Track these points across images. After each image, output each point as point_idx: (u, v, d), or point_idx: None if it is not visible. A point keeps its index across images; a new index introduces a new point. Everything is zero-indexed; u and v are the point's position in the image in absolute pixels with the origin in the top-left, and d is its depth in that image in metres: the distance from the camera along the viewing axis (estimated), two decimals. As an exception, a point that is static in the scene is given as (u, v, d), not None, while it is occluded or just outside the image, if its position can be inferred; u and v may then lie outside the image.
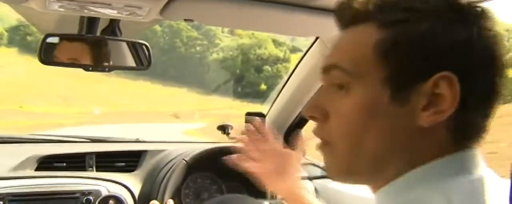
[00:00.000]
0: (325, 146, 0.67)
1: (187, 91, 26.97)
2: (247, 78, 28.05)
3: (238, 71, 29.49)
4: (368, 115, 0.62)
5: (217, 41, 30.64)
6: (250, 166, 1.20)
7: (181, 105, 24.42)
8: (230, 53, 30.28)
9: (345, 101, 0.63)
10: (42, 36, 1.41)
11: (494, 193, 0.58)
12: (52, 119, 16.75)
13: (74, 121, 16.82)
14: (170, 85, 24.31)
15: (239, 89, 27.96)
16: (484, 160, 0.63)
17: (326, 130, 0.66)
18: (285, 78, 2.00)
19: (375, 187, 0.66)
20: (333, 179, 0.68)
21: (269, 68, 27.40)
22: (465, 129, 0.61)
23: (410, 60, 0.60)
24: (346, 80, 0.63)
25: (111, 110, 20.51)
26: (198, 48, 30.14)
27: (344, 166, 0.65)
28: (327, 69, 0.66)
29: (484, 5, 0.63)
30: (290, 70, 1.96)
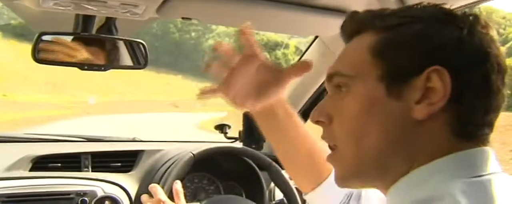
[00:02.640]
0: (333, 153, 0.74)
1: (182, 78, 26.82)
2: (245, 65, 27.89)
3: (235, 58, 29.28)
4: (367, 112, 0.68)
5: (212, 26, 30.52)
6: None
7: (178, 93, 24.09)
8: (227, 39, 30.14)
9: (345, 100, 0.70)
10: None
11: (505, 193, 0.61)
12: (41, 110, 16.11)
13: (66, 112, 16.20)
14: (164, 72, 24.08)
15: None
16: (494, 158, 0.66)
17: (331, 133, 0.73)
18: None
19: (384, 188, 0.70)
20: (340, 185, 0.73)
21: (268, 55, 27.27)
22: (465, 125, 0.65)
23: (403, 57, 0.66)
24: (345, 82, 0.70)
25: (105, 99, 19.96)
26: (193, 34, 30.00)
27: (351, 168, 0.70)
28: (330, 77, 0.73)
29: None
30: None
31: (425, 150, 0.65)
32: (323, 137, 0.75)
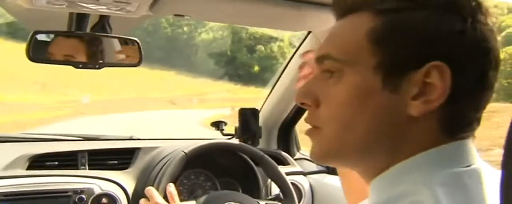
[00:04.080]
0: (313, 130, 0.73)
1: (175, 74, 26.61)
2: (239, 59, 27.82)
3: (229, 52, 29.25)
4: (359, 102, 0.66)
5: (205, 20, 30.08)
6: None
7: (173, 90, 23.79)
8: (220, 32, 29.92)
9: (336, 87, 0.68)
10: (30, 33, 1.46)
11: (483, 185, 0.62)
12: (30, 113, 15.61)
13: (58, 114, 15.72)
14: (157, 68, 23.70)
15: (231, 71, 27.78)
16: (476, 152, 0.66)
17: (316, 116, 0.71)
18: (278, 72, 2.08)
19: (366, 177, 0.71)
20: (315, 160, 0.74)
21: (262, 48, 27.06)
22: (456, 121, 0.65)
23: (403, 48, 0.64)
24: (338, 68, 0.68)
25: (99, 98, 19.43)
26: (185, 28, 29.71)
27: (332, 150, 0.70)
28: (319, 59, 0.71)
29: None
30: (283, 65, 2.04)
31: (413, 145, 0.65)
32: (306, 120, 0.74)
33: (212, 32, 30.31)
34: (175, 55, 29.63)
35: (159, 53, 27.04)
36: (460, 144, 0.66)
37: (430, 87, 0.62)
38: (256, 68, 27.13)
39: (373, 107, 0.66)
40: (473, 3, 0.65)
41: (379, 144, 0.67)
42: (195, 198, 1.69)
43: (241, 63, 27.58)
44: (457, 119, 0.65)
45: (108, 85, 20.64)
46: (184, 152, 1.71)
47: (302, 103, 0.73)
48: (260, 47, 27.18)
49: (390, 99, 0.64)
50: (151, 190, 1.41)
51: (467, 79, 0.63)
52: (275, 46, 26.78)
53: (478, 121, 0.68)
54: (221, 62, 28.94)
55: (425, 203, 0.59)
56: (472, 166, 0.64)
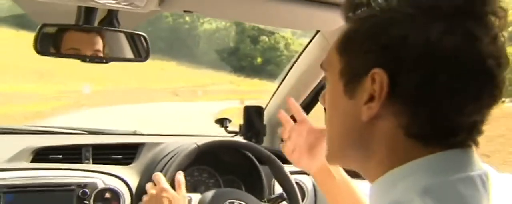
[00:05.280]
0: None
1: (176, 64, 26.53)
2: (242, 50, 27.76)
3: (231, 43, 29.21)
4: (331, 106, 0.75)
5: (209, 10, 29.89)
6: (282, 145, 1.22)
7: (175, 81, 23.62)
8: (223, 23, 29.83)
9: (326, 92, 0.77)
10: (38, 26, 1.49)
11: (479, 193, 0.64)
12: (27, 103, 15.05)
13: (57, 104, 15.50)
14: (158, 58, 23.50)
15: (234, 62, 27.73)
16: (471, 160, 0.66)
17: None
18: (285, 70, 2.11)
19: (369, 181, 0.74)
20: (328, 163, 0.82)
21: (266, 39, 26.95)
22: (421, 128, 0.65)
23: (355, 55, 0.69)
24: (326, 75, 0.77)
25: (99, 88, 19.27)
26: (187, 18, 29.64)
27: (328, 149, 0.78)
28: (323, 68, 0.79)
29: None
30: (291, 63, 2.06)
31: (383, 151, 0.68)
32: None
33: (215, 22, 30.21)
34: (176, 45, 29.57)
35: (160, 43, 26.93)
36: (456, 153, 0.66)
37: (374, 93, 0.66)
38: (259, 59, 27.07)
39: (340, 111, 0.73)
40: (454, 11, 0.63)
41: (353, 149, 0.72)
42: (198, 193, 1.73)
43: (244, 55, 27.51)
44: (420, 125, 0.65)
45: (109, 75, 20.46)
46: (197, 145, 1.74)
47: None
48: (264, 38, 27.07)
49: (350, 105, 0.70)
50: (158, 176, 1.44)
51: (410, 85, 0.64)
52: (279, 37, 26.67)
53: (469, 127, 0.67)
54: (224, 53, 28.89)
55: None
56: (469, 174, 0.65)
